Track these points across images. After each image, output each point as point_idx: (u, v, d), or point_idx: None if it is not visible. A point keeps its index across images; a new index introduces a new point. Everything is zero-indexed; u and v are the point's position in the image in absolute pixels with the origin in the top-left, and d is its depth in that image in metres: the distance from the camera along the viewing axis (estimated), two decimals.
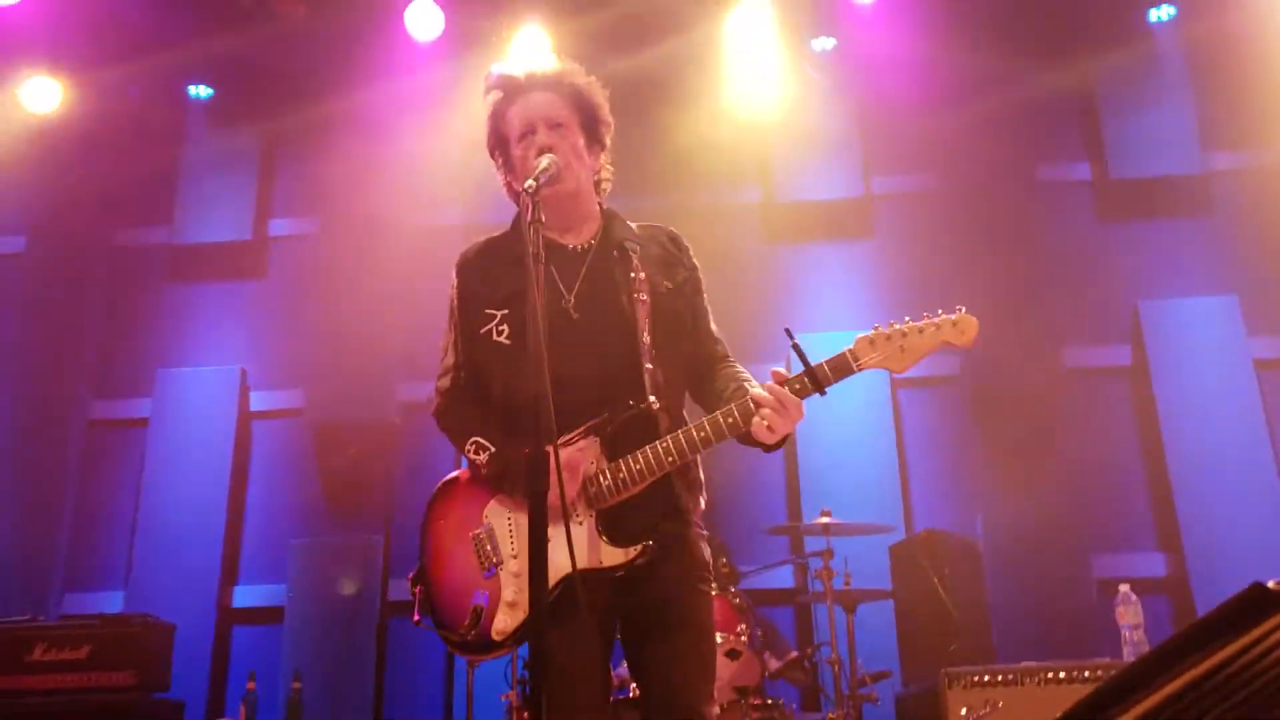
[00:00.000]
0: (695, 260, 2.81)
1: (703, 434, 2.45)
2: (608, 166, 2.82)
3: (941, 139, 6.92)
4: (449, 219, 7.18)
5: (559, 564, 2.37)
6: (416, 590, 2.59)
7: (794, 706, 4.81)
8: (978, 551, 5.74)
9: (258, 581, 6.80)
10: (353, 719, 5.51)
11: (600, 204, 2.81)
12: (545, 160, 2.48)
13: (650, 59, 6.56)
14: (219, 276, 7.43)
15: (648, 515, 2.52)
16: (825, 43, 7.17)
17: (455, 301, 2.73)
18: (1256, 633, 1.15)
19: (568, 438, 2.49)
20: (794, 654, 4.85)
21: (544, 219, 2.28)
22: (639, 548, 2.44)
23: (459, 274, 2.75)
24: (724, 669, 4.39)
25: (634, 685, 4.41)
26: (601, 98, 2.79)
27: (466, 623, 2.47)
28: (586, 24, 6.40)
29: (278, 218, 7.53)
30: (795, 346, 2.43)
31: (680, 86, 6.93)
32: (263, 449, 7.14)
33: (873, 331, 2.43)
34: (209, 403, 7.03)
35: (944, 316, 2.45)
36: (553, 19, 6.75)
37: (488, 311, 2.64)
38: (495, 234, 2.82)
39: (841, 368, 2.45)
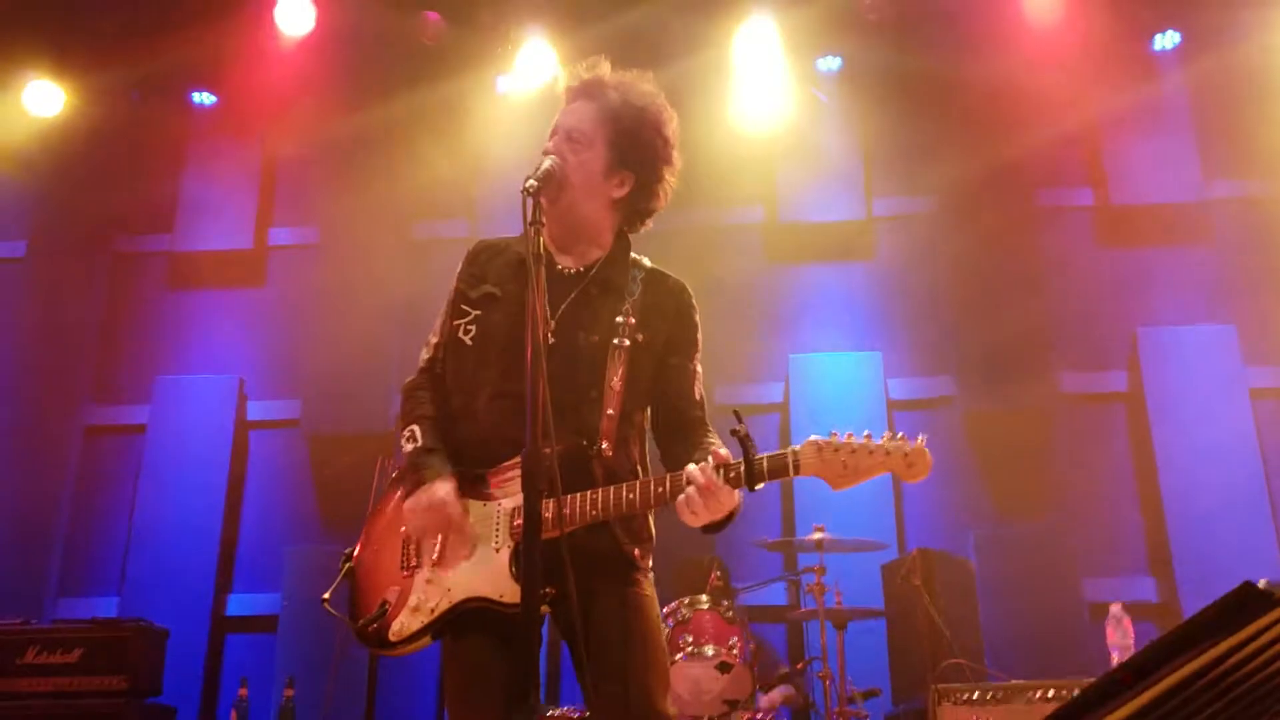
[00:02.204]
0: (698, 322, 2.70)
1: (630, 497, 2.37)
2: (646, 199, 2.68)
3: (943, 162, 6.96)
4: (452, 232, 7.23)
5: (471, 584, 2.42)
6: (343, 567, 2.60)
7: None
8: (970, 571, 5.75)
9: (252, 590, 6.80)
10: None
11: (619, 235, 2.71)
12: (547, 161, 2.45)
13: (656, 76, 6.61)
14: (219, 284, 7.44)
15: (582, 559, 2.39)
16: (831, 63, 7.23)
17: (453, 285, 2.73)
18: (1245, 632, 1.18)
19: (509, 463, 2.46)
20: (785, 670, 4.87)
21: (544, 224, 2.26)
22: (547, 593, 2.28)
23: (464, 264, 2.75)
24: (715, 682, 4.40)
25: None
26: (649, 123, 2.67)
27: (372, 614, 2.48)
28: (592, 38, 6.45)
29: (278, 227, 7.55)
30: (738, 434, 2.27)
31: (686, 104, 6.91)
32: (259, 458, 7.15)
33: (825, 439, 2.28)
34: (207, 411, 7.04)
35: (900, 443, 2.29)
36: (557, 34, 6.80)
37: (464, 308, 2.65)
38: (513, 235, 2.71)
39: (779, 469, 2.30)
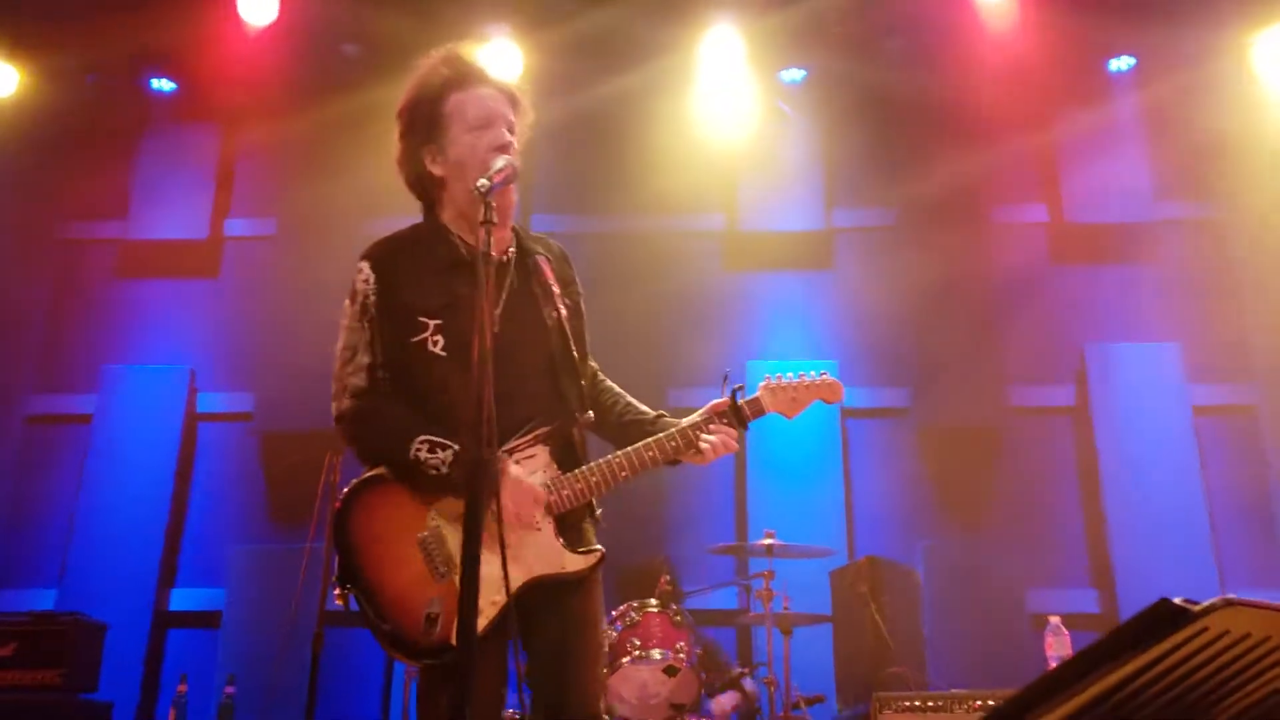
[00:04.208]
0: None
1: (650, 454, 2.61)
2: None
3: (902, 176, 7.03)
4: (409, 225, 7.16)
5: (522, 565, 2.45)
6: (347, 594, 2.48)
7: None
8: (916, 580, 5.80)
9: (196, 585, 6.72)
10: None
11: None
12: (502, 161, 2.43)
13: (620, 82, 6.63)
14: (172, 274, 7.35)
15: (585, 523, 2.67)
16: (794, 75, 7.27)
17: (372, 299, 2.59)
18: (1163, 647, 1.20)
19: (516, 443, 2.51)
20: (736, 671, 4.89)
21: (496, 223, 2.27)
22: (597, 554, 2.57)
23: (377, 272, 2.62)
24: (662, 685, 4.41)
25: None
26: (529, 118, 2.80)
27: (421, 628, 2.38)
28: (556, 39, 6.45)
29: (234, 217, 7.47)
30: (732, 387, 2.76)
31: (649, 110, 7.00)
32: (208, 451, 7.06)
33: (773, 381, 2.79)
34: (155, 402, 6.95)
35: (823, 376, 2.86)
36: (522, 33, 6.79)
37: (420, 320, 2.54)
38: (403, 230, 2.73)
39: (756, 408, 2.78)
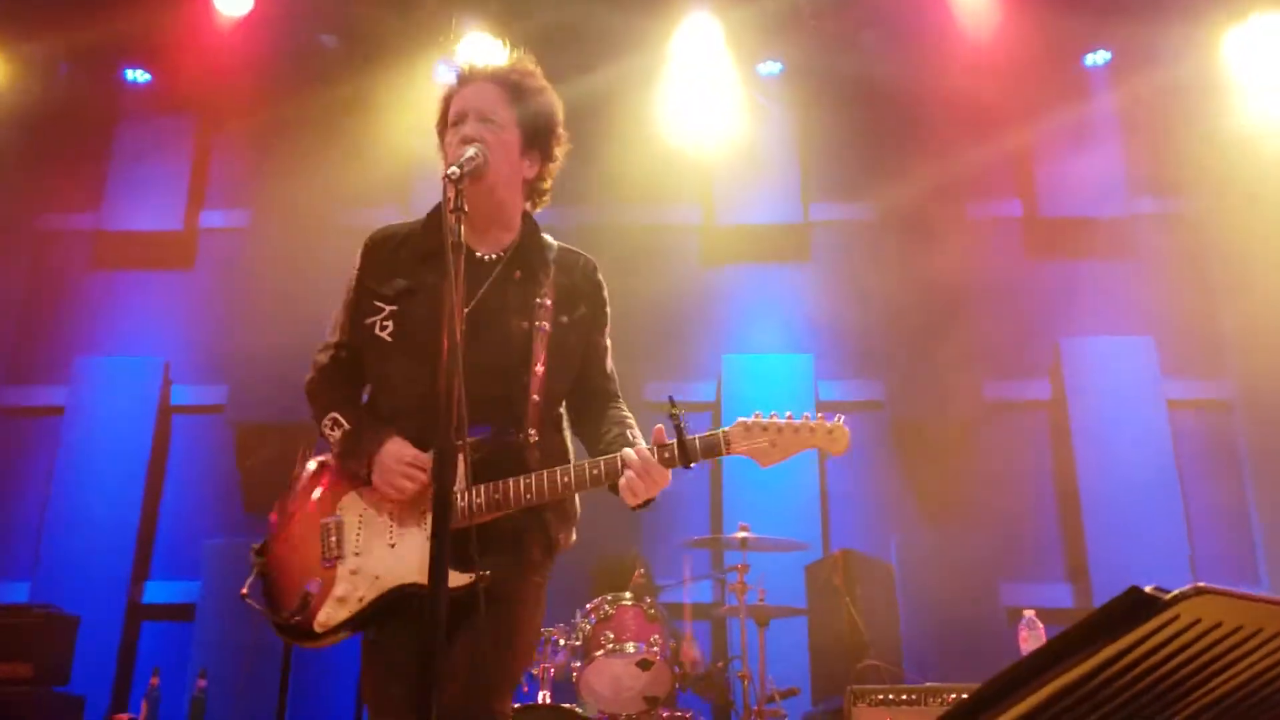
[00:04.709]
0: (606, 297, 2.75)
1: (565, 480, 2.44)
2: (547, 178, 2.73)
3: (879, 170, 7.05)
4: (384, 219, 7.11)
5: (398, 570, 2.42)
6: (255, 561, 2.56)
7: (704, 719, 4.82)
8: (891, 574, 5.82)
9: (170, 578, 6.67)
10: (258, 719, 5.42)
11: (525, 214, 2.73)
12: (472, 150, 2.43)
13: (597, 74, 6.61)
14: (146, 266, 7.29)
15: (508, 539, 2.51)
16: (771, 68, 7.27)
17: (352, 281, 2.68)
18: (1133, 636, 1.20)
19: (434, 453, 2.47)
20: (707, 666, 4.89)
21: (466, 212, 2.23)
22: (474, 576, 2.34)
23: (363, 257, 2.70)
24: (636, 679, 4.41)
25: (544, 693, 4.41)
26: (552, 105, 2.72)
27: (294, 606, 2.45)
28: (533, 31, 6.41)
29: (209, 209, 7.41)
30: (674, 417, 2.41)
31: (626, 103, 6.98)
32: (182, 444, 7.01)
33: (752, 419, 2.43)
34: (129, 394, 6.90)
35: (820, 421, 2.46)
36: (499, 25, 6.76)
37: (376, 304, 2.61)
38: (409, 221, 2.74)
39: (711, 448, 2.44)
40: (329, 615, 2.45)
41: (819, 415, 2.46)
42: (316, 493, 2.59)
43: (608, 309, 2.77)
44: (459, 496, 2.40)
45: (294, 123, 7.05)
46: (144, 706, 5.29)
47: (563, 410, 2.71)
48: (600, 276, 2.76)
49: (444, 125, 2.70)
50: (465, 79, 2.69)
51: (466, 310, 2.51)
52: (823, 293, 7.10)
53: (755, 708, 4.74)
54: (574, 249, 2.77)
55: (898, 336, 6.81)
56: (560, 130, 2.73)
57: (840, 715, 4.41)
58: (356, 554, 2.49)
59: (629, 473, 2.39)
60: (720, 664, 5.00)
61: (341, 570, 2.48)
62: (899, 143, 7.06)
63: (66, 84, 7.26)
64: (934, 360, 6.65)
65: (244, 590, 2.54)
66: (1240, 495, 6.55)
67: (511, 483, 2.43)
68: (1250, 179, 6.69)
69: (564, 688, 4.55)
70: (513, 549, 2.53)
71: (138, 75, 7.36)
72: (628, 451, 2.42)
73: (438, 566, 1.94)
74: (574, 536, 2.67)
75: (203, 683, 5.39)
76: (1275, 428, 6.46)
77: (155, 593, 6.64)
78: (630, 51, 6.83)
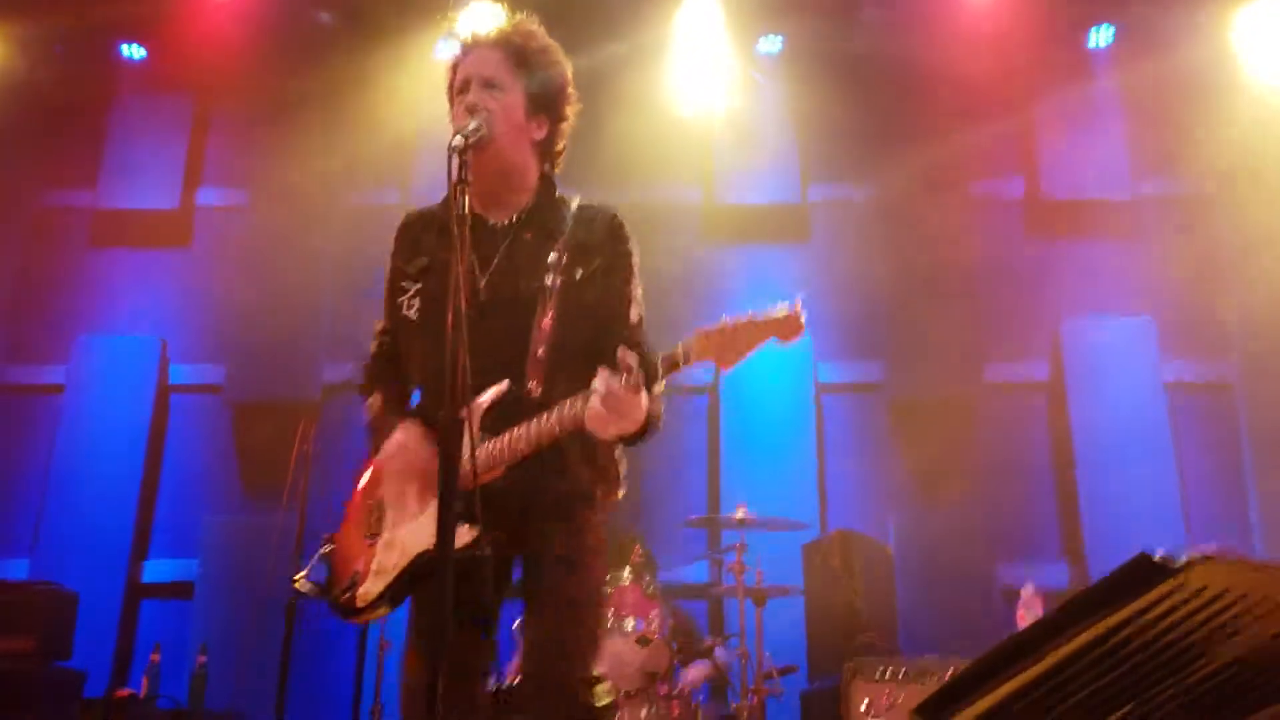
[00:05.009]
0: (631, 249, 2.66)
1: (550, 423, 2.38)
2: (558, 139, 2.68)
3: (879, 149, 7.04)
4: (383, 199, 7.14)
5: (420, 538, 2.41)
6: (325, 550, 2.62)
7: (701, 697, 4.85)
8: (889, 554, 5.84)
9: (169, 556, 6.68)
10: (258, 696, 5.44)
11: (543, 176, 2.68)
12: (475, 121, 2.38)
13: (597, 52, 6.58)
14: (143, 244, 7.27)
15: (534, 500, 2.50)
16: (772, 44, 7.24)
17: (387, 268, 2.72)
18: (1142, 602, 1.21)
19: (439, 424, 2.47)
20: (707, 643, 4.92)
21: (471, 182, 2.20)
22: (475, 534, 2.30)
23: (395, 241, 2.73)
24: (634, 655, 4.43)
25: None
26: (558, 63, 2.67)
27: (344, 585, 2.52)
28: (534, 9, 6.36)
29: (206, 187, 7.39)
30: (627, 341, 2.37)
31: (627, 82, 6.96)
32: (180, 423, 7.02)
33: (709, 325, 2.32)
34: (127, 373, 6.89)
35: (775, 310, 2.32)
36: (499, 2, 6.72)
37: (403, 284, 2.64)
38: (436, 203, 2.72)
39: (671, 363, 2.35)
40: (368, 589, 2.49)
41: (779, 305, 2.32)
42: (368, 476, 2.66)
43: (632, 260, 2.65)
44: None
45: (292, 100, 7.01)
46: (145, 682, 5.31)
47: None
48: (625, 229, 2.67)
49: (452, 94, 2.67)
50: (469, 46, 2.66)
51: (485, 279, 2.53)
52: (822, 272, 7.10)
53: (753, 685, 4.77)
54: (596, 204, 2.70)
55: (897, 317, 6.81)
56: (569, 89, 2.68)
57: (838, 692, 4.44)
58: (391, 528, 2.52)
59: (593, 399, 2.29)
60: (717, 640, 5.02)
61: (380, 545, 2.52)
62: (900, 122, 7.02)
63: (62, 60, 7.21)
64: (933, 341, 6.66)
65: (299, 575, 2.62)
66: (1238, 477, 6.58)
67: (503, 438, 2.40)
68: (1254, 160, 6.68)
69: None
70: (556, 513, 2.52)
71: (133, 51, 7.30)
72: (597, 378, 2.31)
73: (444, 534, 1.95)
74: (619, 492, 2.64)
75: (203, 659, 5.41)
76: (1275, 410, 6.48)
77: (154, 571, 6.66)
78: (631, 29, 6.80)
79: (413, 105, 6.99)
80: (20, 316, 7.13)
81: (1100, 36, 7.11)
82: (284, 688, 4.32)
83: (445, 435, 2.07)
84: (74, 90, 7.28)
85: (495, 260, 2.57)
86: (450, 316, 2.08)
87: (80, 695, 5.27)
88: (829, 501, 6.60)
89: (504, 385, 2.43)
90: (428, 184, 6.96)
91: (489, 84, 2.56)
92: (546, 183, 2.69)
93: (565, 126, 2.70)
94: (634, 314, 2.63)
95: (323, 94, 6.99)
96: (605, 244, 2.62)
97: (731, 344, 2.31)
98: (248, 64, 7.05)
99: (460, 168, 2.19)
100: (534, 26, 2.70)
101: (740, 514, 4.95)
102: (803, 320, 2.32)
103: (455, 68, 2.66)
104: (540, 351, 2.49)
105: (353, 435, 6.49)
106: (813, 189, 7.28)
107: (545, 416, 2.38)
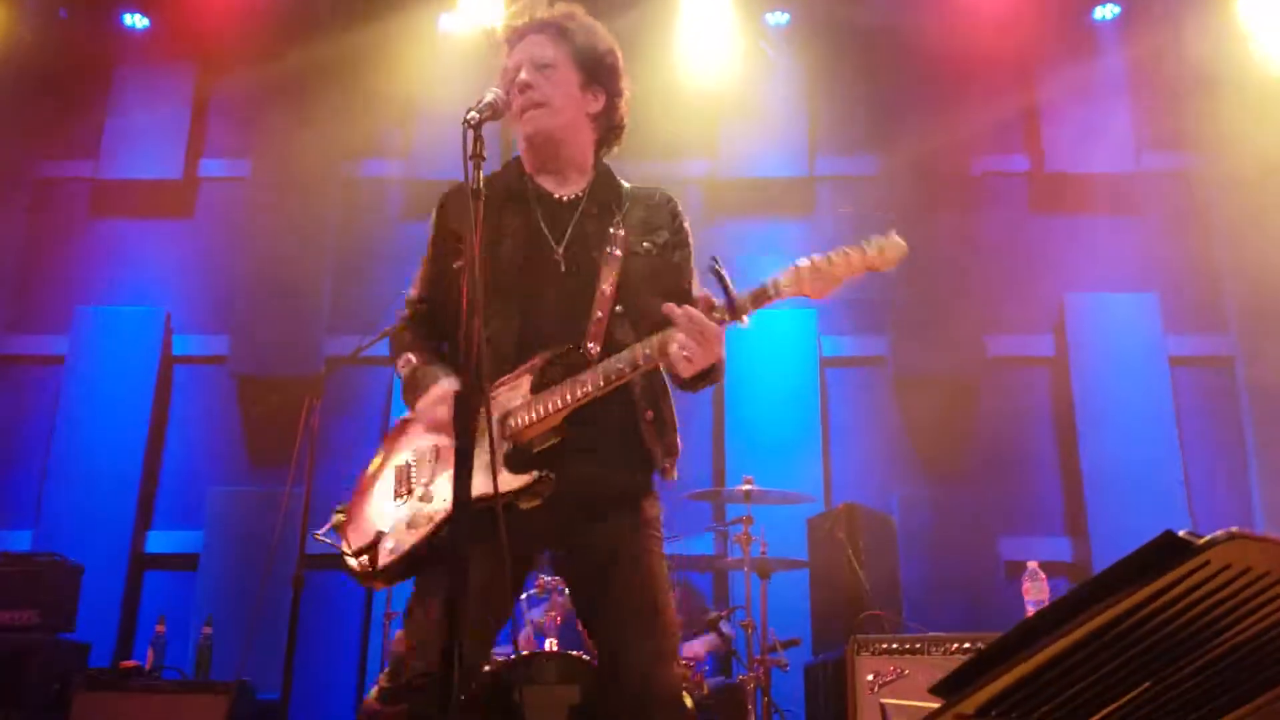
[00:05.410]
0: (688, 227, 2.78)
1: (619, 365, 2.39)
2: (615, 112, 2.75)
3: (885, 123, 7.00)
4: (387, 172, 7.11)
5: (448, 497, 2.38)
6: (334, 519, 2.61)
7: (706, 669, 4.87)
8: (893, 528, 5.84)
9: (173, 527, 6.69)
10: (264, 667, 5.46)
11: (598, 155, 2.77)
12: (490, 94, 2.39)
13: (605, 23, 6.51)
14: (145, 215, 7.24)
15: (626, 500, 2.56)
16: (779, 18, 7.20)
17: (431, 236, 2.73)
18: (1165, 580, 1.20)
19: (506, 378, 2.51)
20: (713, 615, 4.94)
21: (526, 160, 2.36)
22: (533, 475, 2.36)
23: (439, 211, 2.73)
24: None
25: (550, 640, 4.45)
26: (605, 38, 2.75)
27: (366, 544, 2.49)
28: None
29: (209, 158, 7.36)
30: (718, 273, 2.34)
31: (632, 53, 6.88)
32: (184, 394, 7.01)
33: (800, 262, 2.35)
34: (130, 344, 6.88)
35: (868, 242, 2.36)
36: None
37: (460, 246, 2.60)
38: (493, 172, 2.72)
39: (761, 296, 2.36)
40: (398, 541, 2.46)
41: (874, 237, 2.36)
42: (397, 442, 2.67)
43: (690, 239, 2.77)
44: (522, 412, 2.44)
45: (295, 71, 6.97)
46: (150, 653, 5.32)
47: None
48: (679, 206, 2.79)
49: (506, 83, 2.66)
50: (514, 35, 2.72)
51: (561, 250, 2.60)
52: (826, 246, 7.01)
53: (758, 657, 4.79)
54: (647, 186, 2.80)
55: (901, 292, 6.79)
56: (620, 64, 2.76)
57: (842, 665, 4.46)
58: (425, 484, 2.52)
59: (679, 336, 2.31)
60: (724, 614, 5.04)
61: (411, 502, 2.52)
62: (905, 96, 7.00)
63: (65, 29, 7.17)
64: (937, 316, 6.65)
65: (319, 533, 2.62)
66: (1240, 451, 6.58)
67: (565, 383, 2.42)
68: (1258, 134, 6.64)
69: (570, 635, 4.58)
70: (630, 509, 2.56)
71: (136, 21, 7.26)
72: (670, 307, 2.34)
73: (459, 512, 1.94)
74: (677, 448, 2.66)
75: (208, 630, 5.43)
76: (1277, 385, 6.47)
77: (158, 542, 6.67)
78: (636, 2, 6.74)
79: (416, 76, 6.96)
80: (22, 287, 7.11)
81: (1105, 10, 7.08)
82: (290, 659, 4.32)
83: (461, 405, 2.08)
84: (76, 59, 7.24)
85: (569, 232, 2.63)
86: (464, 290, 2.12)
87: (85, 667, 5.29)
88: (834, 475, 6.61)
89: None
90: (428, 154, 6.95)
91: (539, 64, 2.63)
92: (602, 163, 2.78)
93: (620, 101, 2.76)
94: (696, 286, 2.73)
95: (326, 65, 6.94)
96: (668, 221, 2.74)
97: (825, 276, 2.34)
98: (251, 34, 7.02)
99: (474, 142, 2.21)
100: (573, 7, 2.77)
101: (746, 487, 4.95)
102: (902, 246, 2.37)
103: (507, 64, 2.70)
104: (600, 314, 2.54)
105: (356, 406, 6.56)
106: (820, 161, 7.25)
107: (614, 362, 2.40)
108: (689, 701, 2.49)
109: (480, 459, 2.39)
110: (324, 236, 6.93)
